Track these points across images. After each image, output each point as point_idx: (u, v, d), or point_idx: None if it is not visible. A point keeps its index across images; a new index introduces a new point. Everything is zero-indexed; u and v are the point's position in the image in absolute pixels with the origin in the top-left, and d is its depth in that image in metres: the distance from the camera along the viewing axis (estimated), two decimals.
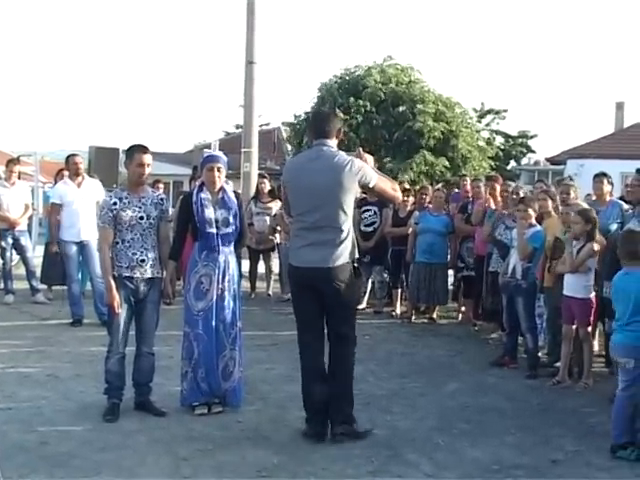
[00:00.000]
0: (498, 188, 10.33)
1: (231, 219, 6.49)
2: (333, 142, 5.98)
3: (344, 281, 5.86)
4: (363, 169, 5.86)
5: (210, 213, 6.44)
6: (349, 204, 5.85)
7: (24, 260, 12.16)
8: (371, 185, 5.92)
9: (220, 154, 6.87)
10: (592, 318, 7.59)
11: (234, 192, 6.75)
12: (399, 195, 6.69)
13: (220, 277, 6.45)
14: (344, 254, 5.83)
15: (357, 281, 6.13)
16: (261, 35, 18.23)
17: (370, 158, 6.22)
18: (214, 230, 6.43)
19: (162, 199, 6.56)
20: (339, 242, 5.82)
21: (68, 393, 6.93)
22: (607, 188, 8.67)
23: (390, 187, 6.13)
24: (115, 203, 6.29)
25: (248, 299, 12.57)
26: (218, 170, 6.49)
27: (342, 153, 5.96)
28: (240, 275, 6.79)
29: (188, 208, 6.51)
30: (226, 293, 6.48)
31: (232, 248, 6.58)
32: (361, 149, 6.29)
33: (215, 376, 6.45)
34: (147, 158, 6.40)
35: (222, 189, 6.56)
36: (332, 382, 5.96)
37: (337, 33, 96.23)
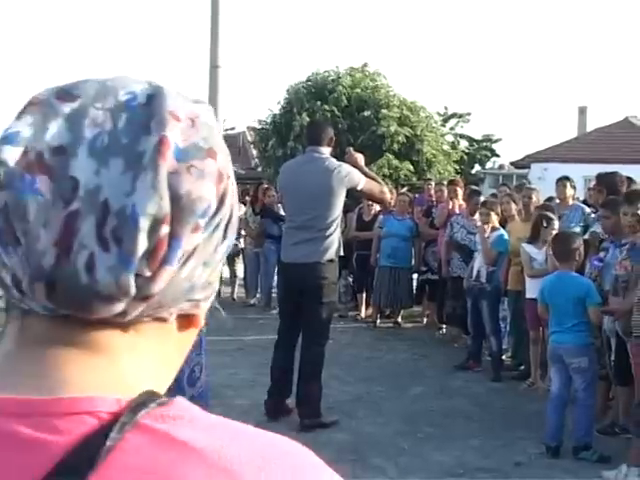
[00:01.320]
0: (460, 192, 10.37)
1: None
2: (325, 149, 6.31)
3: (326, 277, 6.19)
4: (351, 174, 6.16)
5: None
6: (336, 206, 6.20)
7: None
8: (359, 188, 6.25)
9: None
10: None
11: None
12: (387, 197, 7.06)
13: None
14: (328, 252, 6.16)
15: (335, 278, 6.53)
16: (226, 38, 18.21)
17: (360, 156, 6.49)
18: None
19: None
20: (324, 240, 6.14)
21: None
22: (570, 192, 8.73)
23: (378, 189, 6.46)
24: None
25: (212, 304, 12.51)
26: None
27: (332, 159, 6.28)
28: None
29: None
30: None
31: None
32: (351, 149, 6.61)
33: (178, 382, 6.40)
34: None
35: None
36: (302, 378, 6.27)
37: (302, 37, 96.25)
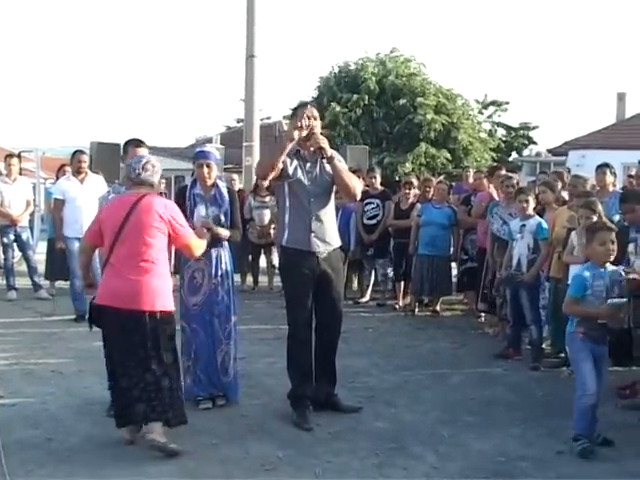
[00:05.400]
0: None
1: (222, 217, 6.48)
2: None
3: None
4: None
5: (202, 209, 6.43)
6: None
7: (25, 256, 12.17)
8: None
9: (211, 150, 6.82)
10: None
11: (227, 188, 6.71)
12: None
13: (213, 271, 6.46)
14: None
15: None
16: (261, 28, 18.19)
17: (320, 138, 6.12)
18: None
19: (160, 194, 6.53)
20: None
21: (72, 389, 6.93)
22: (610, 179, 8.63)
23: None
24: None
25: (251, 293, 12.59)
26: (207, 167, 6.46)
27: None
28: (233, 269, 6.77)
29: (182, 202, 6.47)
30: (219, 288, 6.49)
31: (225, 243, 6.57)
32: (317, 134, 6.16)
33: (214, 369, 6.48)
34: (141, 151, 6.36)
35: (215, 185, 6.54)
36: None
37: (338, 25, 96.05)
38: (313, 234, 6.16)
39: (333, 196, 6.39)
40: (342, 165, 6.32)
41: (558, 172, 10.09)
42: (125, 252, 5.35)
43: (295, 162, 6.18)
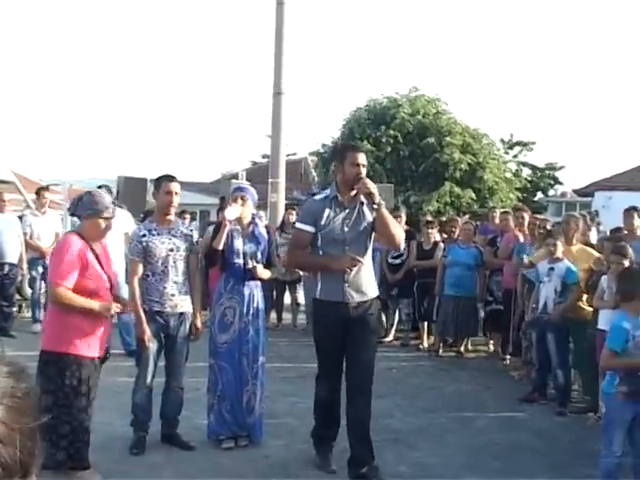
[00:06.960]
0: (527, 218, 10.24)
1: (259, 254, 6.47)
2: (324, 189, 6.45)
3: None
4: None
5: (238, 244, 6.42)
6: None
7: None
8: None
9: (251, 189, 6.86)
10: None
11: (266, 227, 6.75)
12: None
13: (244, 310, 6.43)
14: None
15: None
16: (289, 66, 18.31)
17: (370, 184, 5.75)
18: (241, 261, 6.40)
19: (191, 230, 6.55)
20: None
21: (94, 425, 6.81)
22: (638, 222, 8.55)
23: None
24: (144, 235, 6.24)
25: (274, 330, 12.53)
26: (242, 199, 6.49)
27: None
28: (265, 309, 6.75)
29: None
30: (250, 327, 6.45)
31: (259, 282, 6.55)
32: (364, 178, 5.81)
33: (240, 408, 6.42)
34: (175, 186, 6.34)
35: (253, 222, 6.55)
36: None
37: (363, 62, 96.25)
38: (347, 284, 5.81)
39: (371, 243, 6.02)
40: (388, 213, 5.95)
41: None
42: None
43: (328, 211, 5.83)
